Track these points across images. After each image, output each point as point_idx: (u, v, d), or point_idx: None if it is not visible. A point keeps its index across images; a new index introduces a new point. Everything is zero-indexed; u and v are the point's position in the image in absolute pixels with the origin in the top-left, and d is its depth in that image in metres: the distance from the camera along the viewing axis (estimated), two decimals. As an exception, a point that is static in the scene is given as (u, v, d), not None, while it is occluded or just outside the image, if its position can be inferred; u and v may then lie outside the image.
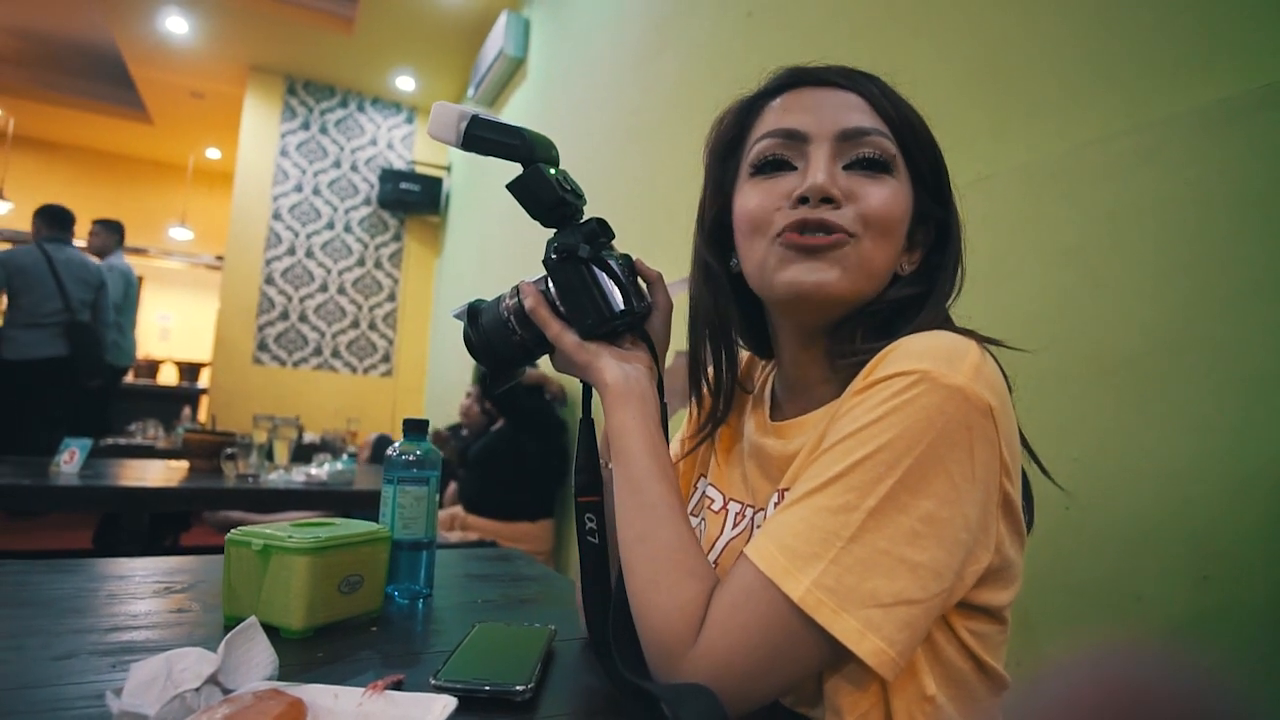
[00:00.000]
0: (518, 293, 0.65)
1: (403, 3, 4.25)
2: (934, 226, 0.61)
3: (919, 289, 0.59)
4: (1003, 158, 1.12)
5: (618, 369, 0.60)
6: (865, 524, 0.46)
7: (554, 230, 0.63)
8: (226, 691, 0.47)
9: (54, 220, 3.71)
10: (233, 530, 0.70)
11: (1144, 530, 0.87)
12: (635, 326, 0.64)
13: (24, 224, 6.79)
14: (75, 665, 0.56)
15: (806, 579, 0.46)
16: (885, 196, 0.56)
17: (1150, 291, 0.90)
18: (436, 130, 0.61)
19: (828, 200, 0.55)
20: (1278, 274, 0.78)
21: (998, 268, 1.08)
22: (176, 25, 4.73)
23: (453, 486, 2.92)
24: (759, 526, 0.61)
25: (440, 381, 4.99)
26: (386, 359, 5.42)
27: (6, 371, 3.42)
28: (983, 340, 0.53)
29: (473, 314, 0.67)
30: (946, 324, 0.58)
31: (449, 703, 0.48)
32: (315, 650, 0.63)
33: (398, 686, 0.54)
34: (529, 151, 0.61)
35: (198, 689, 0.46)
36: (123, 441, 3.45)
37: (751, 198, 0.59)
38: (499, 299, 0.66)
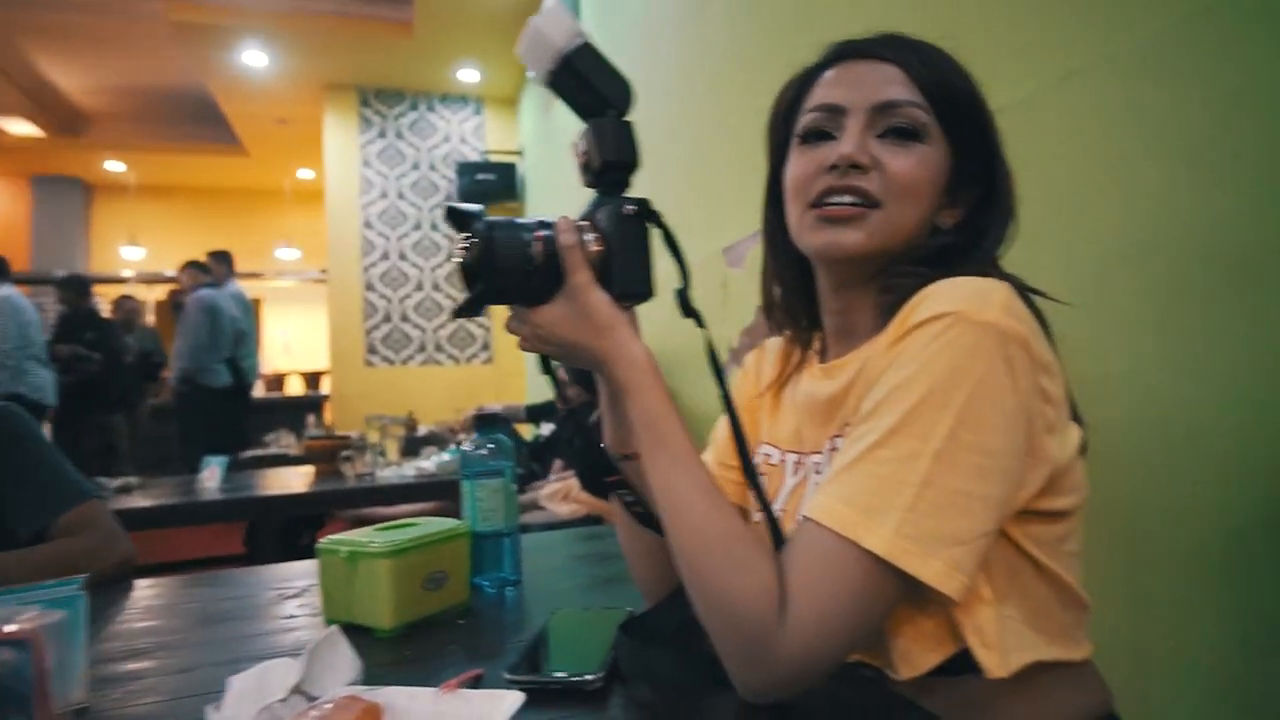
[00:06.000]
0: (551, 225, 0.58)
1: (454, -4, 4.29)
2: (979, 187, 0.63)
3: (960, 240, 0.61)
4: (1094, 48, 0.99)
5: (641, 344, 0.57)
6: (933, 468, 0.47)
7: (595, 191, 0.61)
8: (311, 699, 0.50)
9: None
10: (322, 539, 0.73)
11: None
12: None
13: (157, 265, 7.53)
14: (194, 678, 0.61)
15: (886, 529, 0.46)
16: (911, 164, 0.59)
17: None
18: (532, 52, 0.64)
19: (856, 167, 0.59)
20: None
21: (1096, 169, 0.97)
22: (255, 59, 4.99)
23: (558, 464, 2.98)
24: (815, 472, 0.63)
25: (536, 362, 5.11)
26: (485, 347, 5.61)
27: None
28: (1025, 289, 0.55)
29: (489, 223, 0.56)
30: (990, 273, 0.58)
31: (517, 698, 0.49)
32: (404, 649, 0.66)
33: (477, 681, 0.56)
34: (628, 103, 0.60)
35: (284, 699, 0.49)
36: (260, 453, 3.74)
37: (795, 165, 0.63)
38: (517, 222, 0.57)
